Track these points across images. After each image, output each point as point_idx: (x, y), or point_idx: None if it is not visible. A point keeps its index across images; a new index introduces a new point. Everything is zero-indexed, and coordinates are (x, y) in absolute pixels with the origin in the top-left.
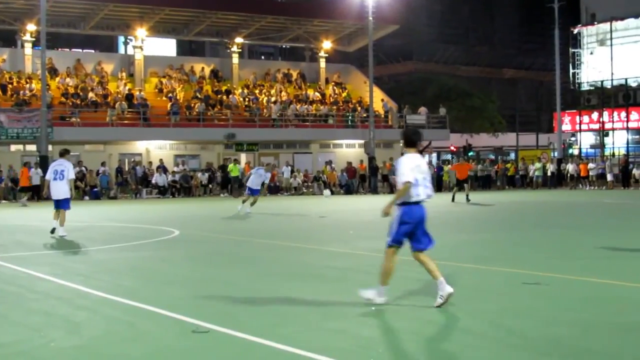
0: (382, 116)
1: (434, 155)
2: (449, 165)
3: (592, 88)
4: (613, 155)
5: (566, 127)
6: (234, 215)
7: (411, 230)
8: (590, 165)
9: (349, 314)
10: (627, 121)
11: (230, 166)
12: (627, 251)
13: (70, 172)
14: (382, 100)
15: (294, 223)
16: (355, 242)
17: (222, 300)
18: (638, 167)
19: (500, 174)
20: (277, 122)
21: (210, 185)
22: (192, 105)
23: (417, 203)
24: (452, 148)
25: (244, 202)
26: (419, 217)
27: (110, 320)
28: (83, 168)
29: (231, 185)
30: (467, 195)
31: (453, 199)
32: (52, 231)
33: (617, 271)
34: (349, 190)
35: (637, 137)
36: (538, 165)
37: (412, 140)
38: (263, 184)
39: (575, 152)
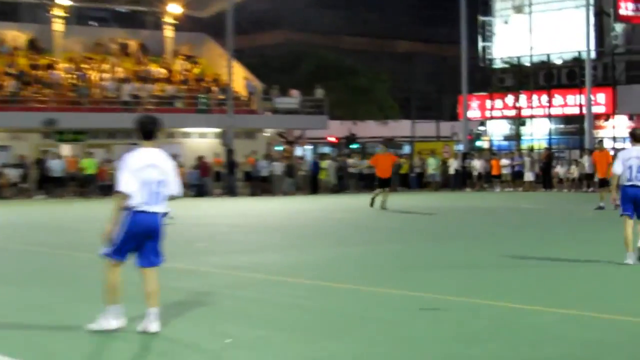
0: (244, 99)
1: (309, 148)
2: (366, 160)
3: (506, 65)
4: (532, 149)
5: (474, 113)
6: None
7: (136, 242)
8: (504, 161)
9: (198, 347)
10: (550, 107)
11: (84, 161)
12: (544, 268)
13: None
14: (245, 78)
15: None
16: (206, 257)
17: (34, 329)
18: (563, 164)
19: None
20: (130, 105)
21: (23, 184)
22: (2, 83)
23: (145, 211)
24: (331, 139)
25: None
26: (146, 227)
27: None
28: None
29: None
30: (384, 202)
31: (372, 203)
32: None
33: (531, 293)
34: (201, 191)
35: (561, 126)
36: (433, 161)
37: (148, 130)
38: None
39: (485, 144)
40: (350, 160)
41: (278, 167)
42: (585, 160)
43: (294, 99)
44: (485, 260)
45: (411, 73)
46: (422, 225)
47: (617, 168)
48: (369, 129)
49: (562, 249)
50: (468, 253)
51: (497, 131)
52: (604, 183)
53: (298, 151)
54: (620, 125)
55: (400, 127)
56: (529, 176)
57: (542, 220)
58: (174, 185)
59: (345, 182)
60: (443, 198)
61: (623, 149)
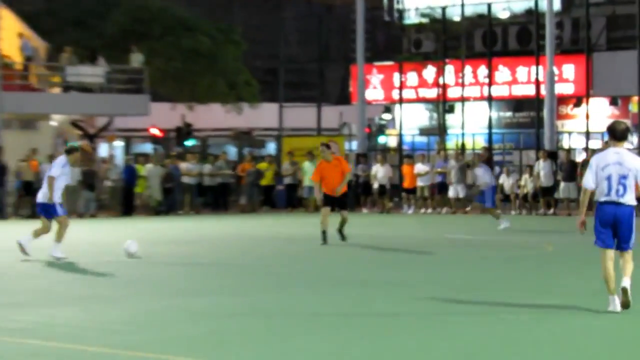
0: (19, 68)
1: (119, 145)
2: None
3: (425, 20)
4: (463, 149)
5: (375, 93)
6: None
7: None
8: (420, 167)
9: None
10: (490, 84)
11: None
12: (474, 323)
13: None
14: (20, 36)
15: None
16: None
17: None
18: (510, 173)
19: (247, 183)
20: None
21: None
22: None
23: None
24: (154, 131)
25: (56, 238)
26: None
27: None
28: None
29: None
30: (341, 229)
31: (324, 238)
32: None
33: None
34: None
35: (508, 115)
36: (311, 166)
37: None
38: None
39: (392, 142)
40: (183, 165)
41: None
42: (542, 167)
43: (97, 68)
44: (390, 313)
45: (278, 30)
46: (291, 266)
47: (589, 180)
48: (213, 116)
49: (504, 296)
50: (360, 305)
51: (410, 121)
52: None
53: (103, 150)
54: (598, 113)
55: (261, 115)
56: (457, 190)
57: (476, 257)
58: None
59: (175, 198)
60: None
61: (601, 149)
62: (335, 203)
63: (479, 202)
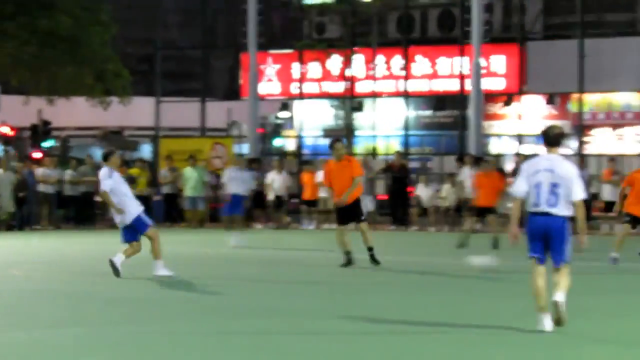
0: None
1: None
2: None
3: (329, 0)
4: (373, 154)
5: (270, 87)
6: None
7: None
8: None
9: None
10: (407, 78)
11: None
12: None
13: None
14: None
15: None
16: None
17: None
18: (428, 183)
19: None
20: None
21: None
22: None
23: None
24: (5, 130)
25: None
26: None
27: None
28: None
29: None
30: (371, 251)
31: (373, 259)
32: None
33: None
34: None
35: (427, 114)
36: (193, 173)
37: None
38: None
39: (290, 145)
40: (40, 170)
41: None
42: (467, 176)
43: None
44: (294, 350)
45: (155, 10)
46: (165, 293)
47: (520, 187)
48: (75, 112)
49: (417, 322)
50: (258, 339)
51: (311, 121)
52: (483, 212)
53: None
54: (532, 113)
55: (134, 111)
56: (365, 203)
57: (390, 280)
58: None
59: (30, 210)
60: (209, 241)
61: (535, 155)
62: (348, 216)
63: (229, 211)
